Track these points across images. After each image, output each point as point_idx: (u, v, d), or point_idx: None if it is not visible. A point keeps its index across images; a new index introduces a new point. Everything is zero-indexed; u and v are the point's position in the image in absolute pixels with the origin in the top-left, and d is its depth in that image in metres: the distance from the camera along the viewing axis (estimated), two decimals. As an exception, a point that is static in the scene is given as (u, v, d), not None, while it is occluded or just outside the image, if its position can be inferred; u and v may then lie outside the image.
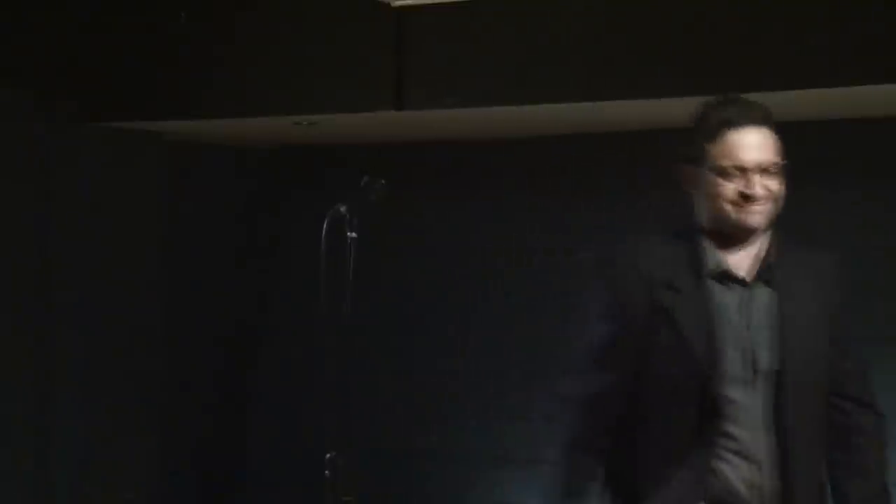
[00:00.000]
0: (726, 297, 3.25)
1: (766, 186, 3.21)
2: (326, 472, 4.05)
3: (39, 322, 6.20)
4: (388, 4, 5.57)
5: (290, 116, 6.00)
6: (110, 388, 6.39)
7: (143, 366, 6.56)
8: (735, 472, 3.26)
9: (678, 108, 5.33)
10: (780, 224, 3.33)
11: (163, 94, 6.21)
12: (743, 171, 3.19)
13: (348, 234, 3.74)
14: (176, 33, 6.14)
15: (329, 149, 6.88)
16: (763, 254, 3.28)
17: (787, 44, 5.00)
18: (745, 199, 3.19)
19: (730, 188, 3.21)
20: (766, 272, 3.27)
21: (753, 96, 3.18)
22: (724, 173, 3.20)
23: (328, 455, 4.05)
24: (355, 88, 5.74)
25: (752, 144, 3.21)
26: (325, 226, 3.75)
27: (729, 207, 3.22)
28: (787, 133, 3.05)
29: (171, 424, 6.70)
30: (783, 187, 3.23)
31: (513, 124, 6.19)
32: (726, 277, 3.26)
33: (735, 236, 3.26)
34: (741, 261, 3.29)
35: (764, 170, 3.21)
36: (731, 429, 3.23)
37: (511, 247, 6.57)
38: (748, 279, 3.27)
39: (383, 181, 3.72)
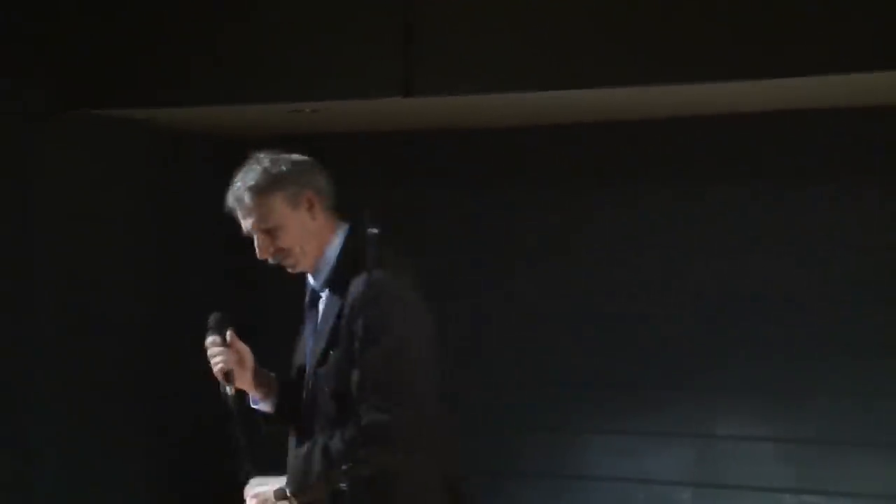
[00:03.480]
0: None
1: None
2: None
3: (19, 318, 6.07)
4: (397, -17, 5.51)
5: (290, 104, 5.85)
6: (93, 391, 6.26)
7: (128, 367, 6.43)
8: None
9: (698, 96, 5.53)
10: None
11: (148, 79, 6.06)
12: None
13: (368, 230, 3.60)
14: (162, 13, 6.00)
15: (330, 138, 6.67)
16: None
17: (784, 31, 5.02)
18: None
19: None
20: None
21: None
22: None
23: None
24: (361, 73, 5.61)
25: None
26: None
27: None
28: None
29: (157, 431, 6.55)
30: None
31: (527, 112, 6.07)
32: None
33: None
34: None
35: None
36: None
37: (522, 240, 6.45)
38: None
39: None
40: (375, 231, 3.54)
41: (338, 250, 3.75)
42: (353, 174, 6.33)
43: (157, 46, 6.01)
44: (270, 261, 3.74)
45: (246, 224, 3.72)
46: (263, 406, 3.84)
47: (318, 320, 3.76)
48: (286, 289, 6.33)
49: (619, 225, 6.24)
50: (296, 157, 3.82)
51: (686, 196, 6.13)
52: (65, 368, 6.16)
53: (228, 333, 3.74)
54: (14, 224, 6.06)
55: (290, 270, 3.77)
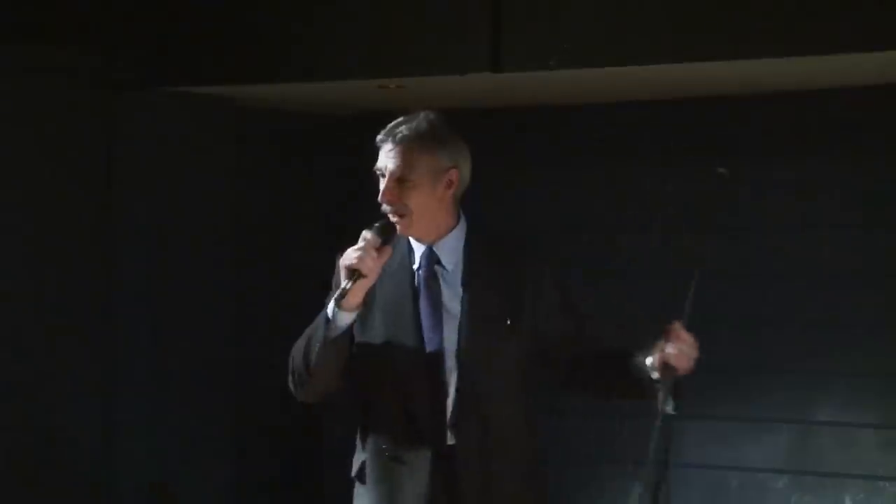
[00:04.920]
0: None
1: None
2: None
3: (103, 291, 6.11)
4: (485, -46, 5.47)
5: (376, 80, 5.81)
6: (178, 372, 6.24)
7: (213, 349, 6.40)
8: None
9: (792, 70, 5.43)
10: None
11: (235, 56, 6.06)
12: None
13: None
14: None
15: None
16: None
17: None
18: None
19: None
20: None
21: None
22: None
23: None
24: (448, 48, 5.60)
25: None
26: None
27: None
28: None
29: (244, 416, 6.51)
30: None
31: (621, 87, 6.00)
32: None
33: None
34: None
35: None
36: None
37: (609, 218, 6.41)
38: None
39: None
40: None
41: (462, 240, 3.76)
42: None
43: (243, 23, 6.00)
44: (385, 207, 3.68)
45: (384, 163, 3.69)
46: (344, 318, 3.64)
47: (469, 301, 3.71)
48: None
49: (713, 202, 6.15)
50: (457, 135, 3.79)
51: (777, 171, 6.06)
52: (149, 345, 6.16)
53: (383, 247, 3.62)
54: (98, 201, 6.09)
55: (397, 227, 3.69)
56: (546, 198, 6.48)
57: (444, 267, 3.73)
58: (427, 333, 3.68)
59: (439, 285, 3.72)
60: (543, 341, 3.74)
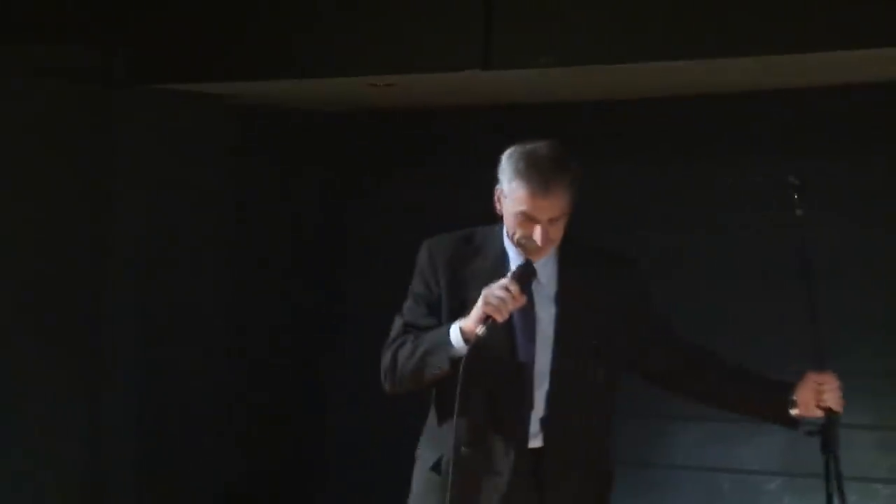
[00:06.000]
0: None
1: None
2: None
3: (99, 285, 6.14)
4: (475, -49, 5.47)
5: (366, 77, 5.84)
6: (170, 369, 6.26)
7: (208, 346, 6.42)
8: None
9: (787, 67, 5.40)
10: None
11: (228, 54, 6.08)
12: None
13: (797, 211, 3.96)
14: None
15: (405, 113, 6.67)
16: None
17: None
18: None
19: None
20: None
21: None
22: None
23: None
24: (439, 45, 5.61)
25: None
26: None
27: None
28: None
29: (241, 413, 6.53)
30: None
31: (613, 85, 6.01)
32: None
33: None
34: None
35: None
36: None
37: (612, 215, 6.33)
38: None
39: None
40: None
41: (557, 253, 3.75)
42: (429, 150, 6.40)
43: (236, 21, 6.02)
44: (529, 242, 3.66)
45: (539, 214, 3.63)
46: (465, 347, 3.64)
47: (561, 318, 3.73)
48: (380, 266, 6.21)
49: (698, 201, 6.17)
50: None
51: (775, 170, 5.98)
52: (141, 344, 6.16)
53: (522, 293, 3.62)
54: (94, 193, 6.11)
55: (530, 256, 3.68)
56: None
57: (538, 280, 3.72)
58: (520, 343, 3.70)
59: (533, 299, 3.70)
60: (640, 347, 3.80)
